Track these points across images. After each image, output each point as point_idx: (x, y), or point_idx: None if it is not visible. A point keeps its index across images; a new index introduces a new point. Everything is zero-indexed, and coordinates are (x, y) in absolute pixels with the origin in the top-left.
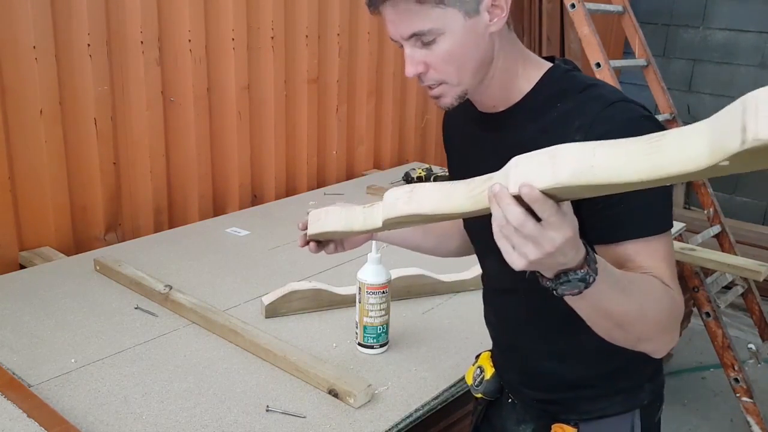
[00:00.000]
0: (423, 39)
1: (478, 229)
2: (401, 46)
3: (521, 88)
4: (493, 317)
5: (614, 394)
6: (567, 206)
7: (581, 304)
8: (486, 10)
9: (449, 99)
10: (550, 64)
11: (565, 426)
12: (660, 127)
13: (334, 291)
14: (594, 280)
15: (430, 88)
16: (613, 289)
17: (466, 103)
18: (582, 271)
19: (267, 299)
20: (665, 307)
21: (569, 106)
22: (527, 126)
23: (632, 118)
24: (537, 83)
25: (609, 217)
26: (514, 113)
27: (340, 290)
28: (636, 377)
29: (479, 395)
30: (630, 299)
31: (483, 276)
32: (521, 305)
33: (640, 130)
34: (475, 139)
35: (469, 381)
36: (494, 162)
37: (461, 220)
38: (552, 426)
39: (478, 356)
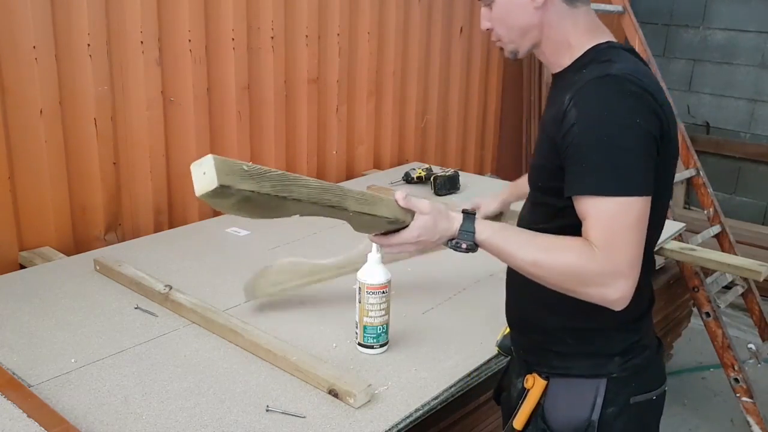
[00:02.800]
0: (484, 2)
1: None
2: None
3: (572, 55)
4: None
5: (583, 357)
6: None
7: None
8: None
9: (506, 53)
10: (608, 40)
11: (536, 376)
12: (645, 101)
13: (314, 262)
14: (468, 246)
15: (493, 41)
16: (503, 246)
17: None
18: (453, 241)
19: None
20: (569, 263)
21: (585, 73)
22: (565, 88)
23: (611, 92)
24: (583, 53)
25: (572, 172)
26: (562, 76)
27: (323, 261)
28: (606, 346)
29: (497, 348)
30: (523, 253)
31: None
32: None
33: (615, 102)
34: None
35: (498, 337)
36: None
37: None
38: (527, 375)
39: None
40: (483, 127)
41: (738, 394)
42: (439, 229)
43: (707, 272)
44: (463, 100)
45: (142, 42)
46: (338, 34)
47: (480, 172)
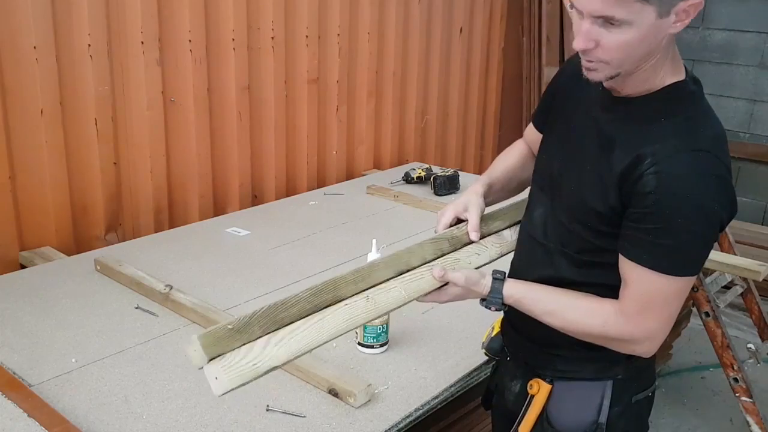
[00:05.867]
0: (611, 22)
1: (539, 182)
2: (576, 11)
3: (653, 85)
4: (516, 256)
5: (589, 361)
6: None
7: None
8: (675, 12)
9: (600, 76)
10: (684, 76)
11: (541, 381)
12: (728, 187)
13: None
14: (497, 308)
15: (588, 61)
16: (530, 308)
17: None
18: (484, 302)
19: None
20: (596, 327)
21: (667, 127)
22: (632, 124)
23: (700, 173)
24: (664, 88)
25: (633, 237)
26: (632, 104)
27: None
28: (614, 351)
29: (484, 351)
30: (550, 316)
31: (525, 222)
32: (537, 252)
33: (702, 186)
34: (588, 116)
35: (484, 339)
36: (590, 141)
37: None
38: (530, 381)
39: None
40: (482, 127)
41: (737, 394)
42: (471, 294)
43: (706, 272)
44: (463, 100)
45: (142, 42)
46: (338, 35)
47: (480, 172)
